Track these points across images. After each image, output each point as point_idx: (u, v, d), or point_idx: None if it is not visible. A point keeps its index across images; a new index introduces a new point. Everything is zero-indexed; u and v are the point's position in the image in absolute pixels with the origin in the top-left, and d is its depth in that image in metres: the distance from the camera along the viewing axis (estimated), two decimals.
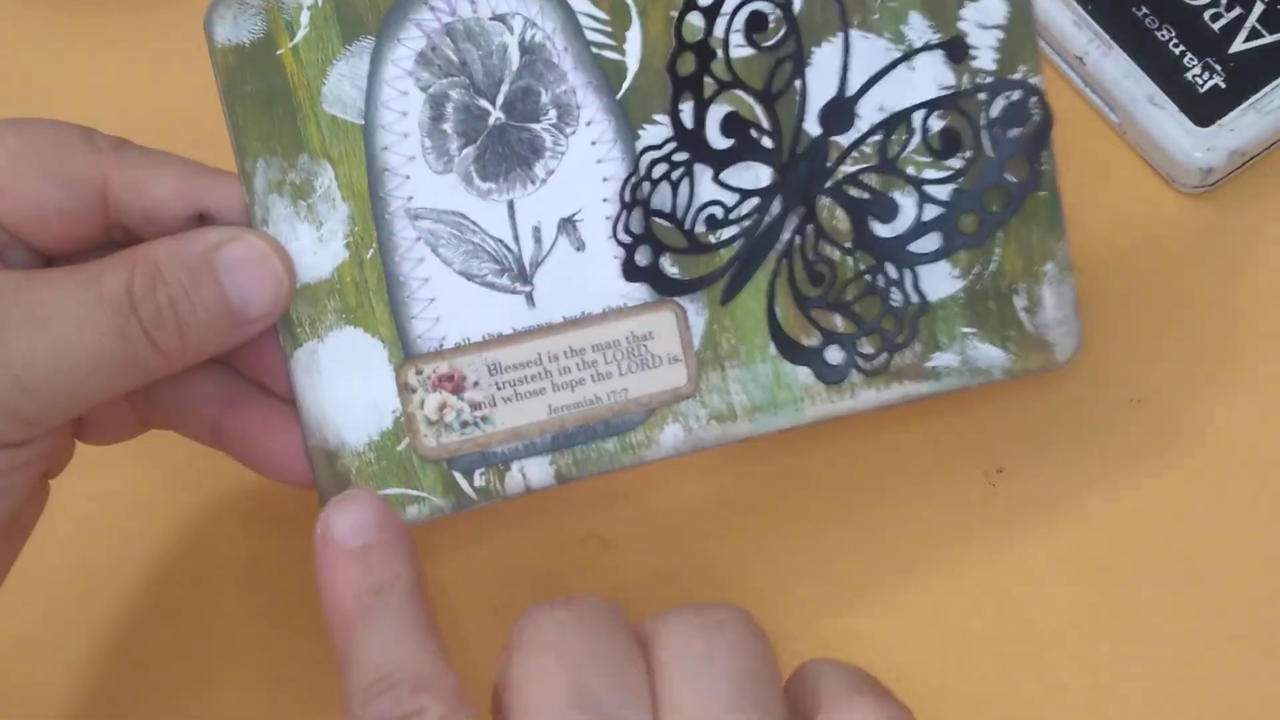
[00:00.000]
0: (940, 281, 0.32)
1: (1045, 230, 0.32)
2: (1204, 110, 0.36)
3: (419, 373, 0.30)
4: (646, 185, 0.30)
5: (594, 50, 0.30)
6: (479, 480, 0.31)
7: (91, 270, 0.27)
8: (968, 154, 0.31)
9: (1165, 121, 0.37)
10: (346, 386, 0.30)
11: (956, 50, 0.31)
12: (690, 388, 0.31)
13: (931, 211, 0.32)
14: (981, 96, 0.31)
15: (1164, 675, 0.34)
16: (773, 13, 0.30)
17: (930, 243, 0.32)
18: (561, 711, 0.25)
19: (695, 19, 0.30)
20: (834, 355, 0.32)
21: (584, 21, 0.30)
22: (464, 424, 0.30)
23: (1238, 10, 0.37)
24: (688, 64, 0.30)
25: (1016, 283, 0.32)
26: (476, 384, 0.30)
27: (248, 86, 0.29)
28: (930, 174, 0.31)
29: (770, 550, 0.35)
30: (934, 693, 0.31)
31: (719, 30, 0.30)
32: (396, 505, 0.30)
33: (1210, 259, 0.38)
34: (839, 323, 0.32)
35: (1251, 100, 0.36)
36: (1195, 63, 0.37)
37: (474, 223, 0.30)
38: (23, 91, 0.39)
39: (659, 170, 0.31)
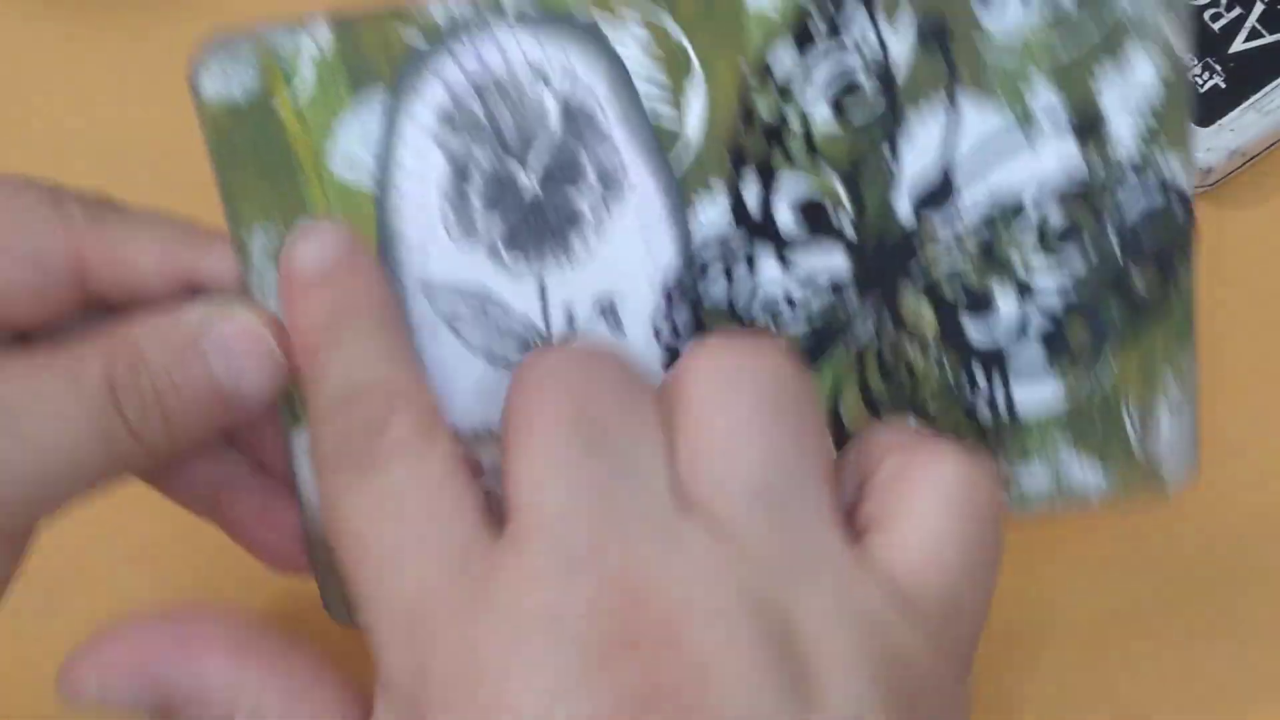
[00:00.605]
0: (1038, 391, 0.28)
1: (1172, 345, 0.27)
2: (1204, 110, 0.36)
3: None
4: (696, 277, 0.27)
5: (647, 110, 0.26)
6: None
7: (67, 358, 0.25)
8: (1089, 254, 0.27)
9: None
10: None
11: (1089, 128, 0.26)
12: None
13: (1036, 315, 0.27)
14: (1115, 189, 0.26)
15: (1168, 674, 0.33)
16: (869, 84, 0.26)
17: (1030, 351, 0.27)
18: (560, 437, 0.23)
19: (770, 89, 0.26)
20: None
21: (636, 78, 0.26)
22: None
23: (1238, 10, 0.37)
24: (757, 145, 0.26)
25: (1130, 401, 0.28)
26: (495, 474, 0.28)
27: (242, 147, 0.25)
28: (1040, 272, 0.27)
29: None
30: None
31: (801, 99, 0.26)
32: None
33: (1210, 259, 0.37)
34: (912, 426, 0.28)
35: (1251, 100, 0.36)
36: (1195, 63, 0.37)
37: (499, 300, 0.27)
38: (24, 101, 0.37)
39: (713, 258, 0.27)
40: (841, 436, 0.28)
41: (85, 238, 0.25)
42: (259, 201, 0.26)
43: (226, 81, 0.25)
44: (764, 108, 0.26)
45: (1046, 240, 0.27)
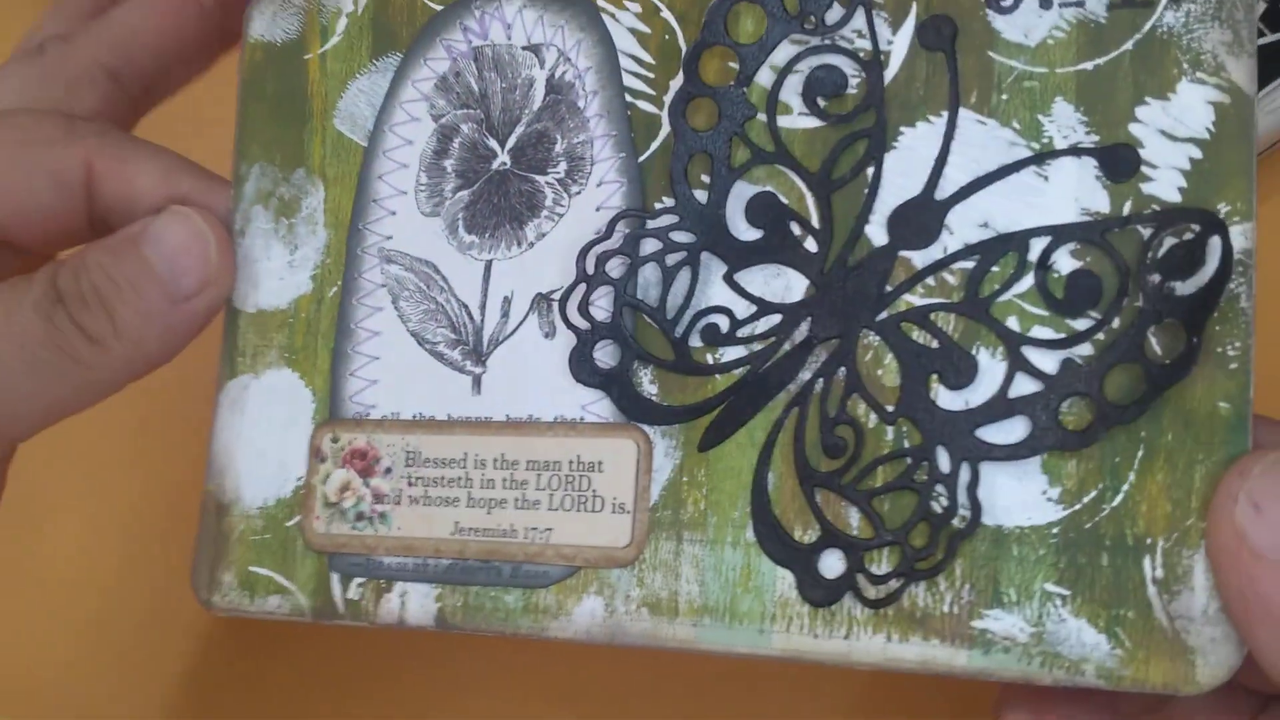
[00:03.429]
0: (1022, 500, 0.22)
1: (1218, 461, 0.21)
2: None
3: (335, 440, 0.27)
4: (622, 261, 0.25)
5: (628, 98, 0.26)
6: (354, 591, 0.26)
7: (20, 276, 0.28)
8: (1105, 313, 0.22)
9: None
10: (264, 435, 0.27)
11: (1121, 162, 0.22)
12: (630, 553, 0.24)
13: (1025, 385, 0.22)
14: (1144, 231, 0.21)
15: None
16: (855, 74, 0.24)
17: (1010, 430, 0.22)
18: None
19: (728, 58, 0.25)
20: (831, 563, 0.23)
21: (625, 63, 0.26)
22: (359, 516, 0.26)
23: None
24: (705, 113, 0.25)
25: (1153, 536, 0.21)
26: (389, 471, 0.26)
27: (268, 87, 0.28)
28: (1040, 332, 0.22)
29: None
30: None
31: (762, 79, 0.24)
32: (261, 589, 0.27)
33: None
34: (852, 518, 0.23)
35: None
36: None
37: (444, 279, 0.27)
38: None
39: (648, 246, 0.25)
40: (764, 518, 0.23)
41: (94, 151, 0.28)
42: (266, 142, 0.28)
43: (272, 25, 0.28)
44: (711, 78, 0.24)
45: (1053, 295, 0.22)
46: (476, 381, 0.26)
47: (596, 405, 0.25)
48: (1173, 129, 0.22)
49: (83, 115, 0.30)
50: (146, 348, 0.27)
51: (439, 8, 0.27)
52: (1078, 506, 0.21)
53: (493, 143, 0.27)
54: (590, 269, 0.25)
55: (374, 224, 0.27)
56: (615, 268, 0.25)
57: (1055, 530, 0.22)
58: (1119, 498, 0.21)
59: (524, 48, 0.27)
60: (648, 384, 0.25)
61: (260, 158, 0.28)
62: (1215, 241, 0.21)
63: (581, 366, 0.25)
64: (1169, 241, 0.21)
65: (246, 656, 0.34)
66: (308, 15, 0.28)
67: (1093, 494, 0.21)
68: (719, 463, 0.24)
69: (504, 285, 0.26)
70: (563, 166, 0.26)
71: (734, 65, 0.25)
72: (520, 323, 0.26)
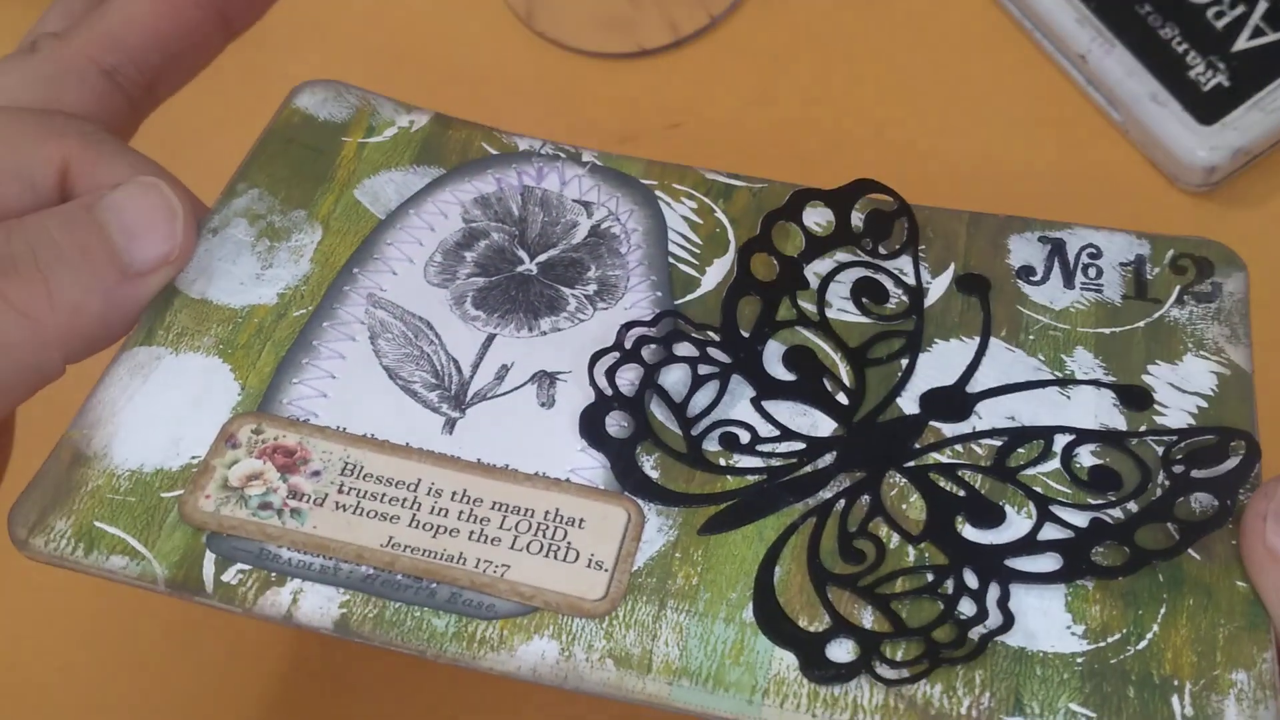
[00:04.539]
0: (1046, 628, 0.21)
1: (1240, 627, 0.21)
2: (1207, 108, 0.37)
3: (257, 431, 0.23)
4: (657, 351, 0.24)
5: (670, 260, 0.26)
6: (232, 575, 0.21)
7: None
8: (1125, 492, 0.23)
9: (1168, 120, 0.37)
10: (162, 406, 0.23)
11: (1137, 397, 0.24)
12: (602, 607, 0.21)
13: (1055, 532, 0.22)
14: (1157, 444, 0.23)
15: None
16: (895, 293, 0.26)
17: (1043, 563, 0.22)
18: None
19: (795, 238, 0.26)
20: (840, 650, 0.21)
21: (674, 237, 0.27)
22: (263, 505, 0.22)
23: (1241, 8, 0.38)
24: (765, 267, 0.26)
25: (1180, 679, 0.20)
26: (317, 474, 0.22)
27: (294, 142, 0.28)
28: (1065, 497, 0.22)
29: None
30: None
31: (819, 267, 0.26)
32: (103, 546, 0.21)
33: None
34: (865, 616, 0.21)
35: (1255, 98, 0.37)
36: (1199, 60, 0.38)
37: (436, 334, 0.25)
38: None
39: (683, 350, 0.24)
40: (767, 605, 0.21)
41: (73, 151, 0.26)
42: (275, 178, 0.27)
43: (319, 105, 0.28)
44: (783, 244, 0.26)
45: (1077, 479, 0.23)
46: (450, 423, 0.24)
47: (586, 473, 0.23)
48: (1181, 384, 0.25)
49: (71, 114, 0.28)
50: (83, 324, 0.24)
51: (495, 153, 0.29)
52: (1103, 644, 0.21)
53: (522, 253, 0.27)
54: (628, 345, 0.24)
55: (370, 273, 0.26)
56: (648, 355, 0.25)
57: (1080, 660, 0.21)
58: (1143, 643, 0.21)
59: (575, 200, 0.28)
60: (648, 466, 0.23)
61: (262, 185, 0.27)
62: (1236, 442, 0.23)
63: (591, 425, 0.23)
64: (1183, 451, 0.23)
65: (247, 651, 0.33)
66: (359, 112, 0.29)
67: (1117, 636, 0.21)
68: (720, 548, 0.22)
69: (504, 356, 0.25)
70: (593, 287, 0.26)
71: (798, 247, 0.26)
72: (515, 389, 0.24)
